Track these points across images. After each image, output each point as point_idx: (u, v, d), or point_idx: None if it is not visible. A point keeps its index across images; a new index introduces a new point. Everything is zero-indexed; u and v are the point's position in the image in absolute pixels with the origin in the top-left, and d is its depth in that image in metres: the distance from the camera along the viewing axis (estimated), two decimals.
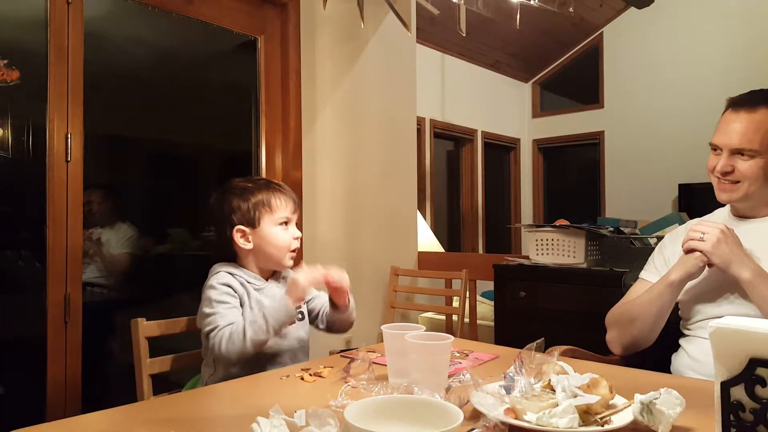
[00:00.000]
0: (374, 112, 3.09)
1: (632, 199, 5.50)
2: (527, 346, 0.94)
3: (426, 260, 3.29)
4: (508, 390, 0.88)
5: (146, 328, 1.33)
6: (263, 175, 2.66)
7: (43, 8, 1.89)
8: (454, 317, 3.13)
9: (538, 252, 2.35)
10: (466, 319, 2.87)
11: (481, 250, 5.58)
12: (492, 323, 3.05)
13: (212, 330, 1.21)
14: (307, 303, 1.43)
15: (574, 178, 6.49)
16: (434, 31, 4.79)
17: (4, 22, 1.90)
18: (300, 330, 1.39)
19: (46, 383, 1.90)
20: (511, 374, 0.90)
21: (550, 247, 2.31)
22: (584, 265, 2.26)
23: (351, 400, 0.86)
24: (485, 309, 3.24)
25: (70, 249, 1.96)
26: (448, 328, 3.17)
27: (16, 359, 2.05)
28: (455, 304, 3.13)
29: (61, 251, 1.93)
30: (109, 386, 2.42)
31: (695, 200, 4.96)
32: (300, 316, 1.40)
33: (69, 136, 1.94)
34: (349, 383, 0.97)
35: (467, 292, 2.76)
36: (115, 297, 2.75)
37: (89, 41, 2.00)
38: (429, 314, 3.42)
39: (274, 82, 2.66)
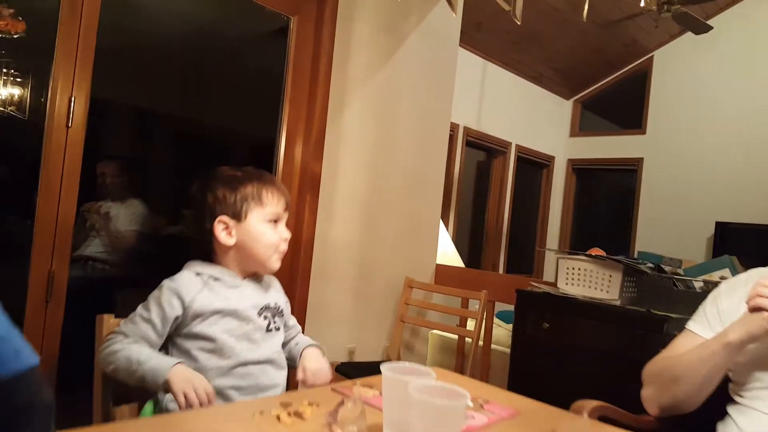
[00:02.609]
0: (407, 110, 2.89)
1: (665, 232, 5.23)
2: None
3: (444, 274, 3.08)
4: None
5: (112, 325, 1.15)
6: (280, 165, 2.48)
7: None
8: (467, 339, 2.91)
9: (567, 281, 2.12)
10: (480, 342, 2.66)
11: (501, 268, 5.34)
12: (507, 350, 2.83)
13: (113, 331, 1.11)
14: (281, 313, 1.25)
15: (606, 203, 6.19)
16: (480, 37, 4.58)
17: None
18: (274, 342, 1.22)
19: None
20: None
21: (582, 278, 2.08)
22: (618, 302, 2.03)
23: None
24: (501, 333, 3.01)
25: (61, 222, 1.80)
26: (460, 349, 2.96)
27: None
28: (469, 323, 2.92)
29: (50, 223, 1.78)
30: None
31: (731, 240, 4.69)
32: (275, 326, 1.22)
33: (73, 99, 1.78)
34: None
35: (485, 315, 2.54)
36: (116, 274, 2.63)
37: (107, 1, 1.85)
38: (440, 332, 3.21)
39: (303, 67, 2.48)
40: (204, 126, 2.80)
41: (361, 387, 1.08)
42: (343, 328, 2.65)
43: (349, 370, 2.32)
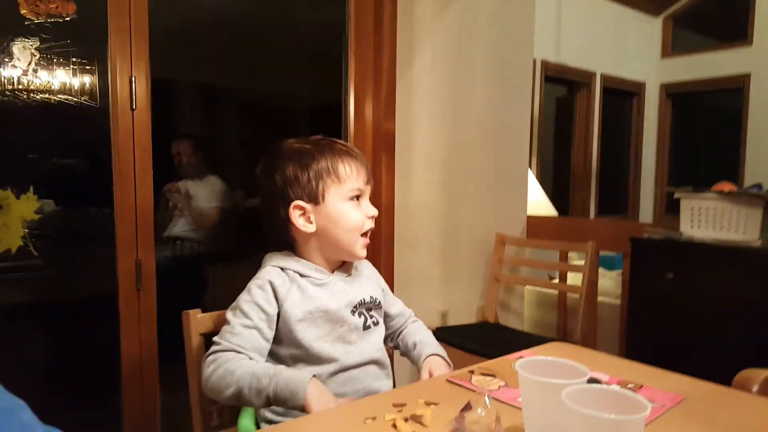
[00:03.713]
0: (482, 52, 2.62)
1: None
2: None
3: (537, 226, 2.84)
4: None
5: (200, 322, 1.05)
6: (351, 127, 2.32)
7: None
8: (569, 295, 2.69)
9: (693, 224, 1.84)
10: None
11: (592, 212, 4.97)
12: (615, 301, 2.59)
13: (211, 351, 0.95)
14: (378, 305, 1.09)
15: (708, 131, 5.57)
16: None
17: None
18: (374, 339, 1.06)
19: (119, 355, 1.74)
20: None
21: (712, 219, 1.80)
22: (758, 244, 1.73)
23: None
24: (605, 283, 2.76)
25: (140, 209, 1.75)
26: (562, 305, 2.74)
27: (88, 326, 1.94)
28: (571, 277, 2.68)
29: (129, 211, 1.73)
30: None
31: None
32: (373, 321, 1.07)
33: (133, 80, 1.69)
34: None
35: (589, 267, 2.30)
36: (204, 251, 2.66)
37: None
38: (537, 287, 3.00)
39: (365, 17, 2.27)
40: (268, 95, 2.72)
41: (481, 377, 0.92)
42: (434, 293, 2.51)
43: (446, 335, 2.18)
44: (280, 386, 0.87)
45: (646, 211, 5.36)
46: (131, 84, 1.69)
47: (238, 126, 2.89)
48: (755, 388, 1.00)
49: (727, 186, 1.79)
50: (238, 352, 0.93)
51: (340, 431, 0.75)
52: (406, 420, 0.75)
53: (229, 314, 0.99)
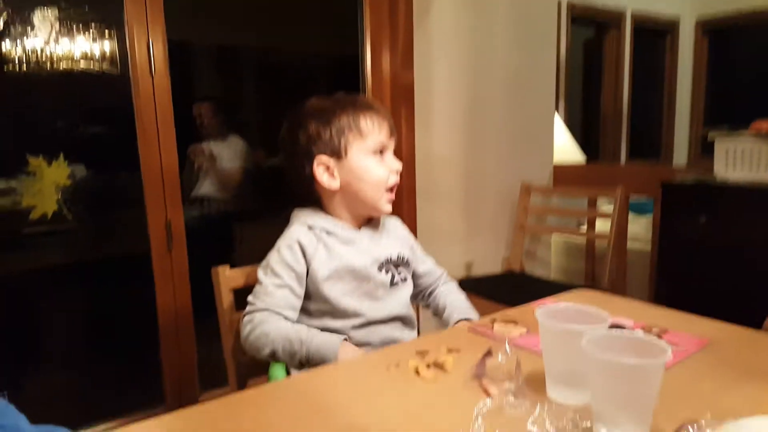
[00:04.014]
0: None
1: None
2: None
3: (564, 174, 2.79)
4: None
5: (230, 278, 1.08)
6: (369, 80, 2.28)
7: None
8: (598, 242, 2.66)
9: (728, 166, 1.78)
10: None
11: (623, 157, 4.84)
12: (646, 247, 2.55)
13: (246, 312, 1.00)
14: (406, 263, 1.10)
15: (748, 69, 5.27)
16: None
17: None
18: (401, 296, 1.08)
19: (156, 311, 1.82)
20: None
21: (748, 161, 1.73)
22: None
23: None
24: (636, 228, 2.72)
25: (166, 172, 1.78)
26: (590, 252, 2.72)
27: (124, 284, 2.02)
28: (599, 224, 2.65)
29: (156, 174, 1.76)
30: None
31: None
32: (400, 278, 1.08)
33: (150, 44, 1.69)
34: (487, 401, 0.63)
35: (618, 213, 2.26)
36: (231, 210, 2.72)
37: None
38: (564, 235, 2.97)
39: None
40: (284, 53, 2.70)
41: (503, 325, 0.93)
42: (458, 244, 2.52)
43: (470, 285, 2.20)
44: (312, 351, 0.92)
45: (680, 155, 5.19)
46: (149, 49, 1.69)
47: (256, 86, 2.88)
48: None
49: (765, 125, 1.71)
50: (272, 311, 0.98)
51: (364, 378, 0.77)
52: (428, 366, 0.77)
53: (260, 273, 1.02)
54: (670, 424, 0.53)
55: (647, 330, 0.87)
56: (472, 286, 2.19)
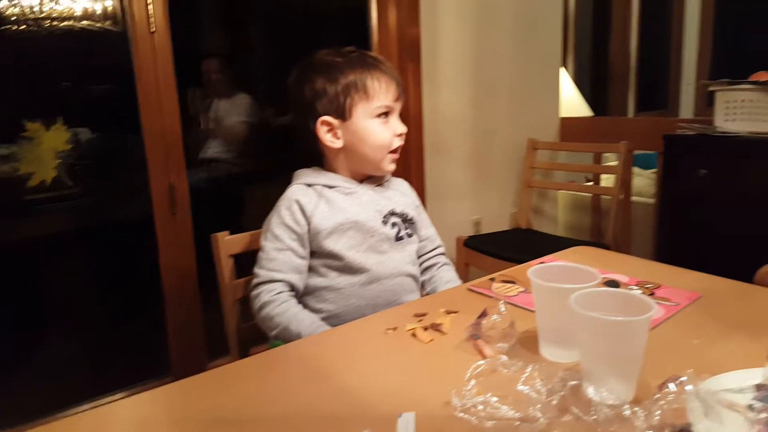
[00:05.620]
0: None
1: None
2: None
3: (570, 128, 2.76)
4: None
5: (229, 244, 1.10)
6: (374, 35, 2.24)
7: None
8: (603, 197, 2.65)
9: (728, 117, 1.75)
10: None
11: (631, 111, 4.76)
12: (649, 200, 2.54)
13: (253, 284, 1.01)
14: (411, 220, 1.09)
15: (758, 16, 5.08)
16: None
17: None
18: (406, 252, 1.07)
19: (160, 276, 1.81)
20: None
21: (748, 111, 1.70)
22: None
23: (481, 396, 0.56)
24: (639, 182, 2.70)
25: (168, 134, 1.77)
26: (596, 207, 2.72)
27: (128, 249, 2.00)
28: (604, 179, 2.64)
29: (158, 137, 1.75)
30: None
31: None
32: (406, 233, 1.07)
33: (149, 0, 1.65)
34: (480, 363, 0.65)
35: (622, 168, 2.24)
36: (240, 172, 2.68)
37: None
38: (570, 191, 2.96)
39: None
40: (289, 5, 2.61)
41: (501, 284, 0.95)
42: (466, 201, 2.52)
43: (478, 243, 2.21)
44: (305, 329, 0.94)
45: (686, 108, 5.09)
46: (147, 5, 1.65)
47: (262, 40, 2.80)
48: None
49: (764, 75, 1.67)
50: (276, 280, 0.98)
51: (362, 342, 0.79)
52: (425, 329, 0.79)
53: (262, 240, 1.02)
54: (657, 380, 0.55)
55: (641, 285, 0.88)
56: (478, 243, 2.21)
